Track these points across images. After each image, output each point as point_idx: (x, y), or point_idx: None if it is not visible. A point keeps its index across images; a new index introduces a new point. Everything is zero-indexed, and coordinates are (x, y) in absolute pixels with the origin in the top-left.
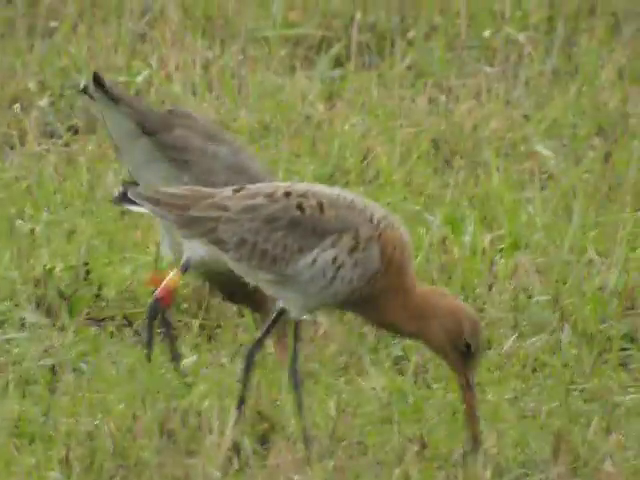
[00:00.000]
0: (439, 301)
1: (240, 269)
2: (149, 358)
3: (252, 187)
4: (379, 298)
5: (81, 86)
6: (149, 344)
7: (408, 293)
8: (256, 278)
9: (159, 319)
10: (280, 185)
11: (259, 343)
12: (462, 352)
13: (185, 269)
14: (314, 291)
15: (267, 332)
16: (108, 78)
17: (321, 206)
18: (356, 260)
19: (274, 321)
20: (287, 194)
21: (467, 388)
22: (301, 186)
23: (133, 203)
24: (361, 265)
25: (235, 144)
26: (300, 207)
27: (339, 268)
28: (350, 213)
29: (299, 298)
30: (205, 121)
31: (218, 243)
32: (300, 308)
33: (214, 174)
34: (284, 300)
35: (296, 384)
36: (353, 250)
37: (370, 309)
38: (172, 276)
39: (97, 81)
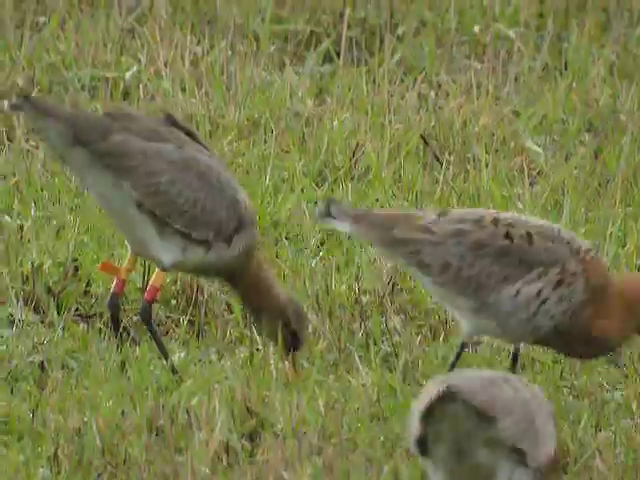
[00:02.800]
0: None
1: (439, 293)
2: (166, 357)
3: (457, 212)
4: (572, 331)
5: (6, 106)
6: (160, 345)
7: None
8: (454, 304)
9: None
10: (486, 212)
11: None
12: None
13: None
14: (513, 323)
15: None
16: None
17: (530, 237)
18: (561, 296)
19: (458, 356)
20: (495, 221)
21: None
22: (507, 214)
23: (334, 219)
24: (566, 300)
25: (182, 139)
26: (508, 236)
27: (543, 302)
28: (558, 246)
29: (496, 328)
30: (147, 120)
31: (421, 266)
32: (498, 337)
33: (157, 175)
34: (477, 328)
35: None
36: (558, 285)
37: (563, 343)
38: (157, 276)
39: (26, 97)
